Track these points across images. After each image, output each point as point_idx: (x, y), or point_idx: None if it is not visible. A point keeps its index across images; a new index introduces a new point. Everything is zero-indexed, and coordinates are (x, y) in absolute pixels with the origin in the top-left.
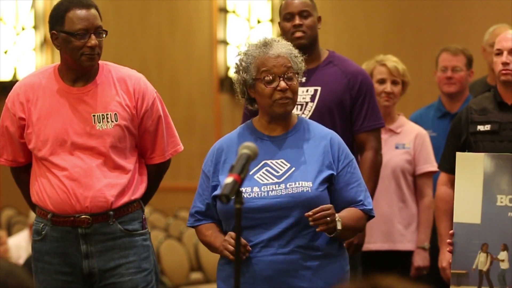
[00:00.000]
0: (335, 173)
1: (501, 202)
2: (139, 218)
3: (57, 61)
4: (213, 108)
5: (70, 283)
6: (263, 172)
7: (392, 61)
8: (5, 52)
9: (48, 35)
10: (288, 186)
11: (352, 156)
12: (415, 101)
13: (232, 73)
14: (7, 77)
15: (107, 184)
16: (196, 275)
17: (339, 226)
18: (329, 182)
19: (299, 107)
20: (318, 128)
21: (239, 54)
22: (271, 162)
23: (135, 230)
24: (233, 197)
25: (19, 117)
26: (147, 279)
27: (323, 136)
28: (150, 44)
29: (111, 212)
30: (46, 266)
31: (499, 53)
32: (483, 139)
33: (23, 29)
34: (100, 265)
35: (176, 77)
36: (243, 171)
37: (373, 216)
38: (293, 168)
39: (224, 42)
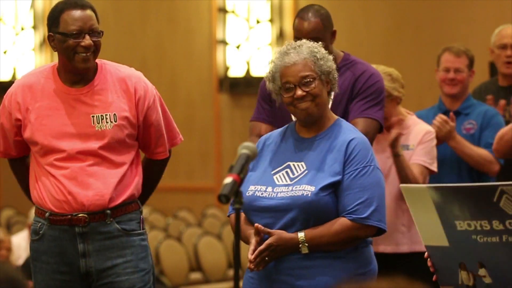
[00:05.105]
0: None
1: (461, 227)
2: (137, 219)
3: (56, 61)
4: (213, 108)
5: (68, 282)
6: (282, 173)
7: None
8: (5, 52)
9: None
10: (294, 188)
11: (366, 165)
12: (415, 101)
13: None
14: (6, 77)
15: (105, 183)
16: (195, 275)
17: (304, 251)
18: (336, 187)
19: None
20: (346, 132)
21: (270, 63)
22: (293, 164)
23: (132, 230)
24: (232, 197)
25: (15, 118)
26: (144, 279)
27: (344, 140)
28: (150, 44)
29: (108, 211)
30: (44, 266)
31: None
32: None
33: (22, 29)
34: (97, 265)
35: (176, 77)
36: (242, 171)
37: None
38: (306, 171)
39: (224, 42)
